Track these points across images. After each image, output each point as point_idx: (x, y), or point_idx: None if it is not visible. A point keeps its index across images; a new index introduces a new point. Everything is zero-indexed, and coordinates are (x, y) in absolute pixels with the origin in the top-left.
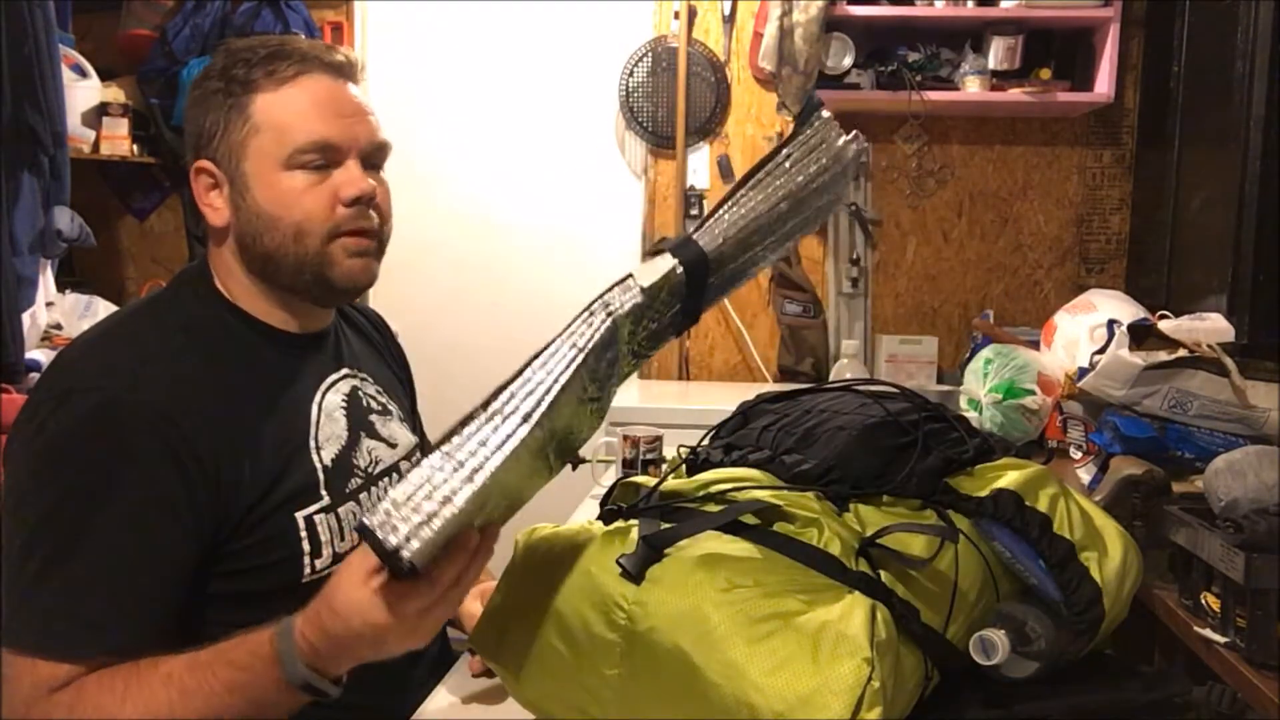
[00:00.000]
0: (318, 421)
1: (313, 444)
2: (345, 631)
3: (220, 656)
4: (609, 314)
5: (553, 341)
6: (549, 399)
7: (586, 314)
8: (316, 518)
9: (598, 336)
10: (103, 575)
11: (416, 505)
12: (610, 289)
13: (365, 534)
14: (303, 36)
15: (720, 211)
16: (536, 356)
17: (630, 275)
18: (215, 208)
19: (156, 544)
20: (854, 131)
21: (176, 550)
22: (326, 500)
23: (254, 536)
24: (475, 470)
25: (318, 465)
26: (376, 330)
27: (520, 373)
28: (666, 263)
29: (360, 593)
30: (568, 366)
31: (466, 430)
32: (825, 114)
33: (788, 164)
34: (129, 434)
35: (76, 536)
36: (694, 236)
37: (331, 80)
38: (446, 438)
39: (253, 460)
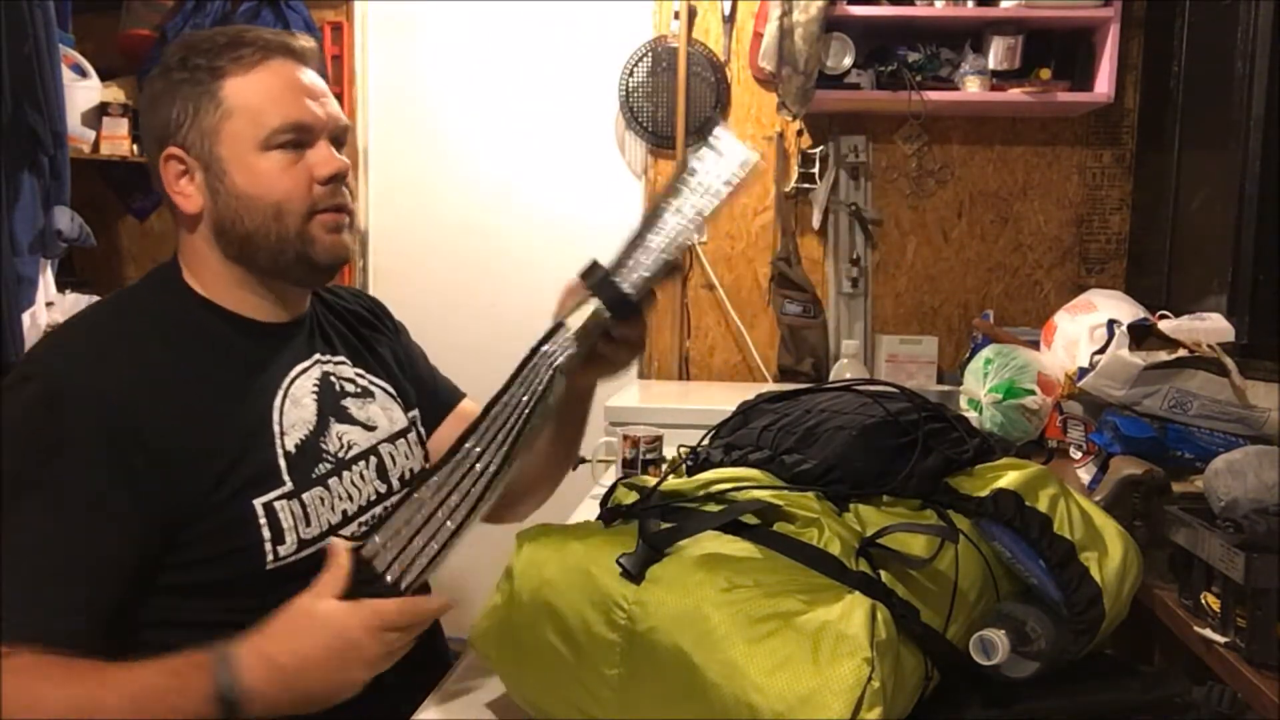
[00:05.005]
0: (281, 408)
1: (276, 429)
2: (313, 645)
3: (157, 661)
4: (551, 367)
5: (501, 395)
6: (503, 451)
7: (530, 370)
8: (277, 504)
9: (542, 389)
10: (29, 562)
11: (403, 542)
12: (545, 340)
13: (359, 562)
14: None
15: (639, 239)
16: (491, 408)
17: (561, 325)
18: (186, 194)
19: (88, 534)
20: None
21: (111, 541)
22: (289, 486)
23: (208, 524)
24: (451, 515)
25: (279, 451)
26: (371, 315)
27: (480, 422)
28: (590, 307)
29: (338, 606)
30: (520, 422)
31: (440, 476)
32: (725, 132)
33: (699, 184)
34: (68, 422)
35: (6, 522)
36: (614, 275)
37: (294, 65)
38: (425, 478)
39: (208, 447)
